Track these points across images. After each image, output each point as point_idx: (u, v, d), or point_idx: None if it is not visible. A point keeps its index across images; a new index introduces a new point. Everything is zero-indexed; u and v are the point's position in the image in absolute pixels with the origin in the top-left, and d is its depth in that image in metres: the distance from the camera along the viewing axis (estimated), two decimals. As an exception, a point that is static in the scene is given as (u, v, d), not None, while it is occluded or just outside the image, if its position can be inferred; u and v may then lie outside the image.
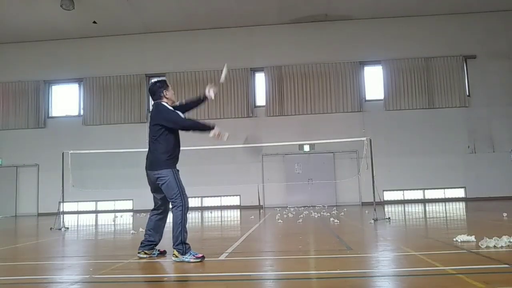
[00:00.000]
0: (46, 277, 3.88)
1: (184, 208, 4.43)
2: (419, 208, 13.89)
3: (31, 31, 18.39)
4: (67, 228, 9.76)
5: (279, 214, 11.64)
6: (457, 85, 17.86)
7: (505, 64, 17.86)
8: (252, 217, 11.74)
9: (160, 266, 4.44)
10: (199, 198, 18.26)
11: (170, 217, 4.73)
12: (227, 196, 18.05)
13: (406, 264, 3.95)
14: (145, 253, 4.66)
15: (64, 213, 11.62)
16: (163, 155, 4.50)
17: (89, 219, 14.11)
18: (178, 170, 4.58)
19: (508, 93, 17.72)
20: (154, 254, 4.73)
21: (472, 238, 4.99)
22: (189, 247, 4.41)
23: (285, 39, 18.43)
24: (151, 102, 18.33)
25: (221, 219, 12.32)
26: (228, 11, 17.39)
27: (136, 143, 17.41)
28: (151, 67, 18.88)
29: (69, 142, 17.11)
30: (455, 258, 4.17)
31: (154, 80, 4.93)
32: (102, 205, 18.65)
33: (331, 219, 9.22)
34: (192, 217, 13.23)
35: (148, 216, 4.82)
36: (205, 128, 4.62)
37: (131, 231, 8.44)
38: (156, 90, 4.70)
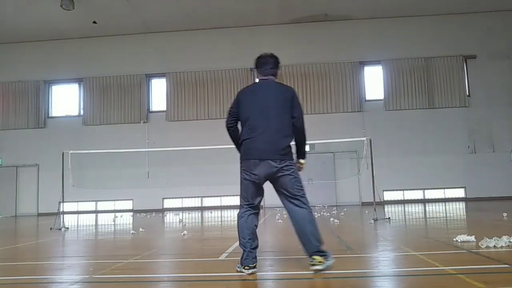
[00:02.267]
0: (46, 277, 3.88)
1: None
2: (419, 208, 13.89)
3: (31, 31, 18.39)
4: (67, 228, 9.77)
5: (279, 214, 11.62)
6: (457, 85, 17.87)
7: (505, 64, 17.86)
8: (252, 217, 11.71)
9: (160, 266, 4.44)
10: (199, 198, 18.26)
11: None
12: (227, 196, 18.05)
13: (406, 264, 3.95)
14: (255, 266, 3.61)
15: (64, 213, 11.63)
16: (291, 144, 3.74)
17: (89, 219, 14.10)
18: None
19: (508, 93, 17.73)
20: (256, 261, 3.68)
21: (472, 238, 4.99)
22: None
23: (285, 39, 18.43)
24: (152, 102, 18.22)
25: (221, 219, 12.31)
26: (228, 11, 17.38)
27: (136, 143, 17.48)
28: (151, 67, 18.89)
29: (69, 142, 17.12)
30: (455, 258, 4.17)
31: (268, 53, 3.96)
32: (102, 205, 18.65)
33: (331, 219, 9.22)
34: (192, 217, 13.23)
35: (242, 217, 3.76)
36: (304, 151, 3.97)
37: (131, 231, 8.43)
38: (275, 65, 3.91)
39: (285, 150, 3.71)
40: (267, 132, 3.67)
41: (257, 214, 3.82)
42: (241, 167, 3.76)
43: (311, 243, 3.54)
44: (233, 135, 3.93)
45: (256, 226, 3.75)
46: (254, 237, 3.68)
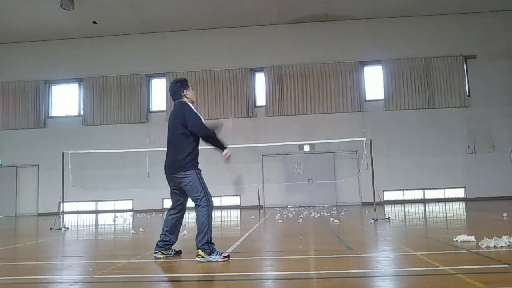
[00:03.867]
0: (46, 277, 3.88)
1: (210, 208, 4.41)
2: (419, 208, 13.89)
3: (31, 31, 18.39)
4: (67, 228, 9.76)
5: (279, 214, 11.63)
6: (457, 85, 17.87)
7: (505, 64, 17.86)
8: (252, 217, 11.75)
9: (160, 266, 4.44)
10: (199, 198, 18.22)
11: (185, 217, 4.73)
12: (227, 196, 18.05)
13: (406, 264, 3.95)
14: (162, 253, 4.59)
15: (64, 213, 11.63)
16: (186, 157, 4.44)
17: (89, 219, 14.10)
18: (200, 170, 4.54)
19: (508, 93, 17.73)
20: (170, 254, 4.65)
21: (472, 238, 4.99)
22: (214, 246, 4.34)
23: (285, 39, 18.44)
24: (152, 102, 18.29)
25: (221, 219, 12.31)
26: (228, 11, 17.38)
27: (136, 143, 17.47)
28: (151, 67, 18.89)
29: (69, 142, 17.11)
30: (455, 258, 4.17)
31: (174, 79, 4.89)
32: (102, 205, 18.65)
33: (331, 219, 9.22)
34: (192, 217, 13.21)
35: (165, 216, 4.75)
36: (220, 146, 4.62)
37: (131, 231, 8.43)
38: (177, 90, 4.64)
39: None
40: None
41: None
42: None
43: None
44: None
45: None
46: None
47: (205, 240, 4.26)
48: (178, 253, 4.74)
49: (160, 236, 4.65)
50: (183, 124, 4.43)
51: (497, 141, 17.56)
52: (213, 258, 4.23)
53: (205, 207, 4.40)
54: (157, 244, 4.62)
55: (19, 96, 19.25)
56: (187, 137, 4.45)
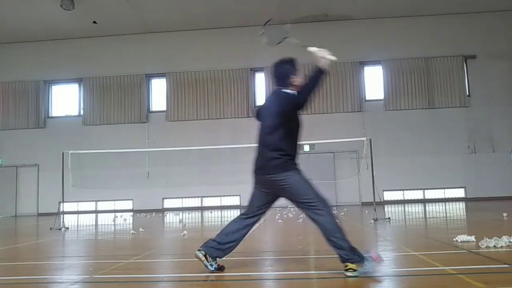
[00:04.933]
0: (46, 277, 3.88)
1: (329, 208, 3.48)
2: (419, 208, 13.89)
3: (31, 31, 18.38)
4: (67, 228, 9.77)
5: (279, 214, 11.62)
6: (457, 85, 17.86)
7: (505, 64, 17.85)
8: (252, 217, 11.70)
9: (160, 266, 4.44)
10: (199, 198, 18.25)
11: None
12: (227, 196, 18.05)
13: (406, 264, 3.95)
14: (205, 257, 3.70)
15: (64, 213, 11.63)
16: (285, 155, 3.56)
17: (89, 219, 14.10)
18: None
19: (508, 93, 17.72)
20: (212, 265, 3.69)
21: (472, 238, 4.99)
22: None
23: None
24: (152, 102, 18.21)
25: (221, 219, 12.31)
26: (228, 11, 17.38)
27: (136, 143, 17.48)
28: (151, 67, 18.88)
29: (69, 142, 17.10)
30: (455, 258, 4.17)
31: (281, 59, 3.83)
32: (102, 205, 18.65)
33: (331, 219, 9.19)
34: (193, 217, 13.23)
35: (234, 221, 3.86)
36: (321, 76, 3.48)
37: (131, 231, 8.44)
38: (285, 75, 3.65)
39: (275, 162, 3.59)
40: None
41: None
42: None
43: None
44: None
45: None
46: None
47: (348, 246, 3.38)
48: (220, 268, 3.75)
49: (216, 236, 3.82)
50: (285, 114, 3.57)
51: (497, 141, 17.56)
52: (368, 267, 3.34)
53: (324, 209, 3.49)
54: (207, 244, 3.76)
55: (19, 96, 19.24)
56: (287, 129, 3.61)
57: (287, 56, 3.83)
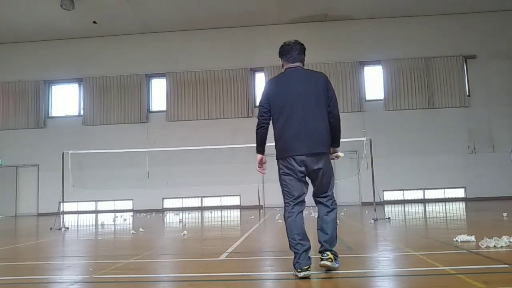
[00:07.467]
0: (46, 277, 3.88)
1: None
2: (419, 208, 13.89)
3: (31, 31, 18.39)
4: (67, 228, 9.76)
5: (279, 214, 11.61)
6: (457, 85, 17.86)
7: (505, 64, 17.85)
8: (252, 217, 11.74)
9: (160, 266, 4.44)
10: (199, 198, 18.25)
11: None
12: (227, 196, 18.05)
13: (406, 264, 3.95)
14: (308, 269, 3.29)
15: (64, 213, 11.63)
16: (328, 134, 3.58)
17: (89, 219, 14.10)
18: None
19: (508, 93, 17.72)
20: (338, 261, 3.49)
21: (472, 238, 4.99)
22: None
23: (285, 39, 18.27)
24: (152, 102, 18.18)
25: (221, 219, 12.31)
26: (228, 11, 17.38)
27: (136, 143, 17.48)
28: (151, 67, 18.88)
29: (69, 142, 17.10)
30: (455, 258, 4.17)
31: (293, 40, 3.97)
32: (102, 205, 18.65)
33: (331, 219, 9.19)
34: (192, 217, 13.23)
35: (294, 217, 3.47)
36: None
37: (131, 231, 8.43)
38: (302, 52, 3.82)
39: (327, 142, 3.60)
40: (305, 124, 3.49)
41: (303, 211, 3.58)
42: (281, 163, 3.65)
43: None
44: (263, 134, 3.79)
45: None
46: (304, 237, 3.38)
47: (336, 242, 3.53)
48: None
49: (297, 247, 3.36)
50: (325, 97, 3.57)
51: (497, 141, 17.56)
52: (337, 263, 3.47)
53: (335, 202, 3.66)
54: (300, 261, 3.31)
55: (19, 96, 19.25)
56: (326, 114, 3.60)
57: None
